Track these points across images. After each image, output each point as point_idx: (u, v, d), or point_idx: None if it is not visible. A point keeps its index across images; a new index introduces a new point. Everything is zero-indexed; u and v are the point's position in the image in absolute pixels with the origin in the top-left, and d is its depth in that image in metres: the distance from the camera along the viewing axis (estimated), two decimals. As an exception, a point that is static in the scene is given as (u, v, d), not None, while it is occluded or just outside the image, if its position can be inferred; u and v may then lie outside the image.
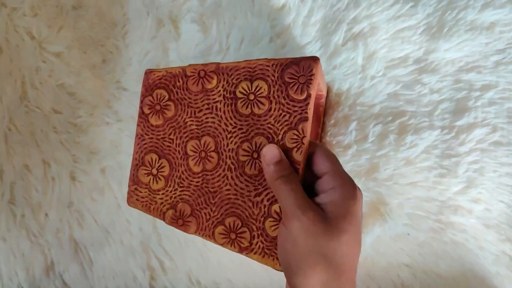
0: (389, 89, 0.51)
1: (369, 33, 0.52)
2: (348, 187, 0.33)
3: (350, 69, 0.52)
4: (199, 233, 0.37)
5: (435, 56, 0.50)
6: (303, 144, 0.34)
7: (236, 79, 0.36)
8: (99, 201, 0.55)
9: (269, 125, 0.35)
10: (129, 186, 0.40)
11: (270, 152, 0.34)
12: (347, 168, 0.50)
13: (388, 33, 0.51)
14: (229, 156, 0.36)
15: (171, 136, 0.38)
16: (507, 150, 0.50)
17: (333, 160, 0.34)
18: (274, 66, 0.35)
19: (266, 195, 0.35)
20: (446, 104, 0.50)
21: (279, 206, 0.34)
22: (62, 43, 0.56)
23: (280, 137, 0.35)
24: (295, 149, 0.34)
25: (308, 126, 0.34)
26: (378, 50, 0.51)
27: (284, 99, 0.35)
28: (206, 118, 0.37)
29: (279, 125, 0.35)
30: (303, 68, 0.35)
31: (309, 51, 0.53)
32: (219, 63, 0.37)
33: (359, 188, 0.34)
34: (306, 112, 0.34)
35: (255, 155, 0.36)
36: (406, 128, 0.50)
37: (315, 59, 0.35)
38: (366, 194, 0.50)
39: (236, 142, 0.36)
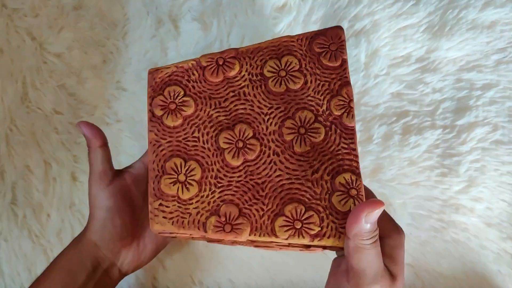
0: (392, 89, 0.51)
1: (371, 30, 0.52)
2: (396, 236, 0.32)
3: (353, 66, 0.52)
4: (255, 234, 0.31)
5: (437, 55, 0.50)
6: (351, 107, 0.33)
7: (261, 60, 0.34)
8: (101, 201, 0.55)
9: (309, 98, 0.33)
10: (150, 204, 0.32)
11: (378, 211, 0.29)
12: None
13: (390, 30, 0.51)
14: (272, 139, 0.33)
15: (195, 134, 0.33)
16: (508, 148, 0.50)
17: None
18: (300, 40, 0.34)
19: (325, 169, 0.32)
20: (447, 103, 0.50)
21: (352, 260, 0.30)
22: (62, 44, 0.55)
23: (324, 107, 0.33)
24: (345, 114, 0.33)
25: (351, 89, 0.33)
26: (380, 48, 0.51)
27: (319, 69, 0.34)
28: (235, 106, 0.34)
29: (320, 95, 0.33)
30: (331, 37, 0.34)
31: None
32: (237, 48, 0.35)
33: (403, 232, 0.33)
34: (346, 76, 0.33)
35: (302, 131, 0.33)
36: (409, 128, 0.50)
37: (340, 27, 0.34)
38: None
39: (276, 123, 0.33)
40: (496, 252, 0.50)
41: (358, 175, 0.32)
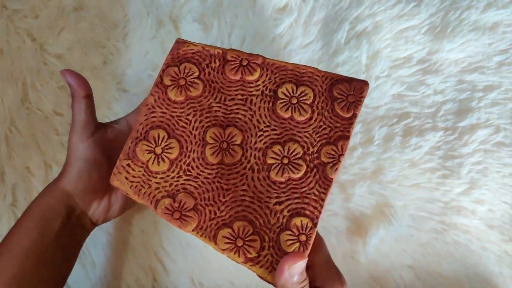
0: (393, 90, 0.50)
1: (372, 32, 0.52)
2: (337, 286, 0.32)
3: (354, 68, 0.52)
4: (197, 232, 0.32)
5: (438, 56, 0.50)
6: (339, 161, 0.32)
7: (280, 79, 0.34)
8: (101, 203, 0.55)
9: (306, 134, 0.33)
10: (119, 160, 0.34)
11: (301, 263, 0.29)
12: (352, 170, 0.50)
13: (392, 32, 0.51)
14: (255, 155, 0.33)
15: (189, 117, 0.34)
16: (510, 150, 0.49)
17: (322, 251, 0.33)
18: (324, 78, 0.34)
19: (288, 205, 0.32)
20: (449, 105, 0.50)
21: None
22: (63, 45, 0.55)
23: (315, 148, 0.33)
24: (330, 164, 0.32)
25: (347, 144, 0.33)
26: (381, 50, 0.51)
27: (328, 112, 0.33)
28: (237, 108, 0.34)
29: (317, 137, 0.33)
30: (354, 87, 0.33)
31: (311, 50, 0.53)
32: (265, 57, 0.35)
33: (346, 284, 0.32)
34: (349, 131, 0.33)
35: (285, 161, 0.33)
36: (410, 130, 0.50)
37: (366, 83, 0.34)
38: (371, 197, 0.50)
39: (266, 142, 0.33)
40: (497, 254, 0.50)
41: (314, 224, 0.32)
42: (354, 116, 0.33)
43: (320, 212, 0.32)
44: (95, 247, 0.53)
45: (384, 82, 0.50)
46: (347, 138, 0.33)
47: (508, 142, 0.49)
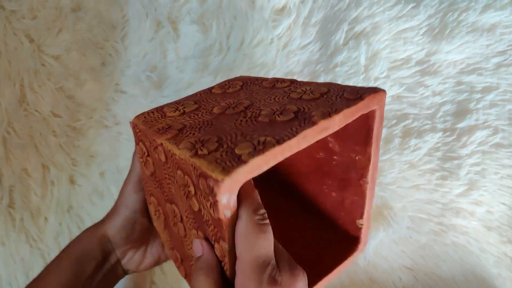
0: (393, 91, 0.50)
1: (371, 33, 0.52)
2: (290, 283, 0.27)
3: (353, 69, 0.52)
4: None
5: (437, 58, 0.50)
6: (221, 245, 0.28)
7: (175, 165, 0.31)
8: (99, 205, 0.54)
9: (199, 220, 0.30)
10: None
11: (194, 247, 0.30)
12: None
13: (390, 33, 0.51)
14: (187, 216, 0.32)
15: (159, 189, 0.36)
16: (509, 152, 0.49)
17: (248, 242, 0.27)
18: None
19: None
20: (447, 106, 0.50)
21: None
22: (61, 46, 0.55)
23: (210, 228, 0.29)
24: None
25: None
26: (380, 51, 0.51)
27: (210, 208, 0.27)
28: (168, 186, 0.33)
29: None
30: (207, 188, 0.26)
31: (310, 51, 0.53)
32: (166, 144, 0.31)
33: (271, 286, 0.26)
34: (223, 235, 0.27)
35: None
36: (409, 131, 0.50)
37: (216, 180, 0.24)
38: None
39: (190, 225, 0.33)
40: (496, 256, 0.50)
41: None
42: (219, 219, 0.26)
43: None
44: (93, 249, 0.53)
45: (383, 83, 0.50)
46: (223, 239, 0.28)
47: (506, 143, 0.50)
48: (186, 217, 0.32)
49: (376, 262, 0.50)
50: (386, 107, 0.50)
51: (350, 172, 0.36)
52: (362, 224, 0.38)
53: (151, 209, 0.39)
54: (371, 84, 0.51)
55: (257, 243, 0.27)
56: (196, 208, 0.29)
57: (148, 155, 0.35)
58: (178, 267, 0.38)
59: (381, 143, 0.50)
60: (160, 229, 0.39)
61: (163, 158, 0.31)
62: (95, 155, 0.55)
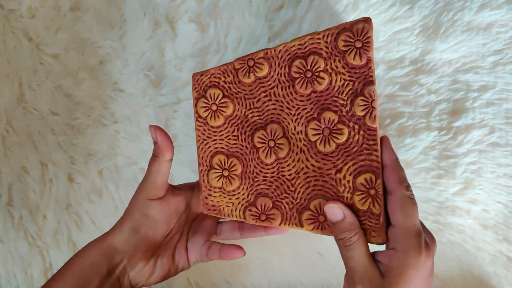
0: (386, 91, 0.51)
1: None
2: (411, 253, 0.31)
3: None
4: (284, 224, 0.36)
5: (431, 57, 0.50)
6: (374, 108, 0.33)
7: (288, 59, 0.35)
8: (97, 203, 0.55)
9: (333, 98, 0.33)
10: (201, 193, 0.39)
11: (330, 212, 0.33)
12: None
13: (386, 35, 0.51)
14: (299, 138, 0.35)
15: (235, 133, 0.37)
16: (505, 151, 0.50)
17: (406, 212, 0.32)
18: (326, 37, 0.33)
19: (347, 169, 0.34)
20: (443, 105, 0.50)
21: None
22: (59, 45, 0.55)
23: (348, 107, 0.33)
24: (367, 115, 0.33)
25: (374, 89, 0.33)
26: (375, 52, 0.51)
27: (344, 68, 0.33)
28: (267, 106, 0.35)
29: (345, 95, 0.33)
30: (356, 32, 0.32)
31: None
32: (266, 48, 0.36)
33: (427, 250, 0.31)
34: (371, 76, 0.33)
35: (326, 132, 0.34)
36: (404, 130, 0.50)
37: (367, 20, 0.32)
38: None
39: (303, 123, 0.34)
40: (492, 254, 0.50)
41: (378, 175, 0.33)
42: (369, 60, 0.33)
43: (378, 162, 0.33)
44: (91, 246, 0.53)
45: (378, 84, 0.50)
46: (371, 83, 0.33)
47: (502, 142, 0.50)
48: (303, 134, 0.35)
49: (372, 260, 0.50)
50: (380, 107, 0.51)
51: None
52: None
53: (212, 175, 0.38)
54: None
55: (413, 214, 0.32)
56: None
57: (224, 97, 0.37)
58: (268, 219, 0.37)
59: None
60: (232, 188, 0.38)
61: (265, 70, 0.35)
62: (93, 153, 0.55)
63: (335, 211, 0.33)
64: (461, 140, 0.50)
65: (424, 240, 0.32)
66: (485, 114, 0.50)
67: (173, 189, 0.41)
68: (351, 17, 0.51)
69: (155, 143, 0.39)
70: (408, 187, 0.33)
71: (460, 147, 0.50)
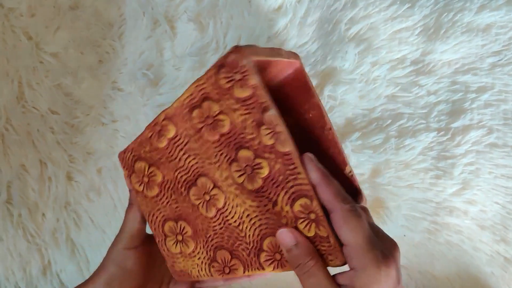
0: (388, 92, 0.51)
1: (367, 33, 0.52)
2: (370, 270, 0.29)
3: (350, 69, 0.52)
4: (248, 271, 0.34)
5: (431, 58, 0.50)
6: (279, 132, 0.30)
7: (187, 113, 0.33)
8: (96, 201, 0.55)
9: (241, 135, 0.32)
10: (167, 262, 0.38)
11: (282, 240, 0.32)
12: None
13: (386, 33, 0.51)
14: (229, 183, 0.33)
15: (173, 197, 0.36)
16: (503, 151, 0.50)
17: (351, 228, 0.30)
18: (208, 79, 0.32)
19: (282, 200, 0.32)
20: (442, 106, 0.50)
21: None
22: (59, 44, 0.55)
23: (257, 140, 0.31)
24: (277, 142, 0.31)
25: (274, 113, 0.30)
26: (377, 51, 0.51)
27: (237, 103, 0.31)
28: (189, 163, 0.34)
29: (250, 130, 0.31)
30: (231, 66, 0.30)
31: (306, 51, 0.54)
32: (165, 108, 0.35)
33: (386, 261, 0.30)
34: (264, 102, 0.30)
35: (249, 170, 0.32)
36: (404, 131, 0.50)
37: (237, 49, 0.30)
38: (367, 199, 0.50)
39: (226, 168, 0.33)
40: (489, 254, 0.50)
41: (311, 197, 0.31)
42: (255, 88, 0.30)
43: (307, 184, 0.31)
44: (90, 245, 0.54)
45: (380, 85, 0.51)
46: (267, 109, 0.30)
47: (500, 143, 0.50)
48: (231, 179, 0.33)
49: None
50: (382, 107, 0.51)
51: (314, 131, 0.38)
52: (350, 171, 0.38)
53: (169, 243, 0.37)
54: (371, 86, 0.51)
55: (359, 227, 0.30)
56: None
57: (150, 167, 0.36)
58: (232, 271, 0.36)
59: (378, 143, 0.51)
60: (190, 250, 0.37)
61: (173, 130, 0.34)
62: (92, 152, 0.55)
63: (286, 236, 0.31)
64: (459, 141, 0.50)
65: (380, 251, 0.30)
66: (483, 115, 0.50)
67: (151, 237, 0.39)
68: (349, 15, 0.51)
69: (130, 191, 0.38)
70: (345, 199, 0.30)
71: (458, 148, 0.50)
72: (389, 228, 0.51)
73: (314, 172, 0.31)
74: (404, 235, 0.51)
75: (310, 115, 0.38)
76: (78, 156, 0.55)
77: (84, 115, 0.55)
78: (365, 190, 0.50)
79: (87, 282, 0.38)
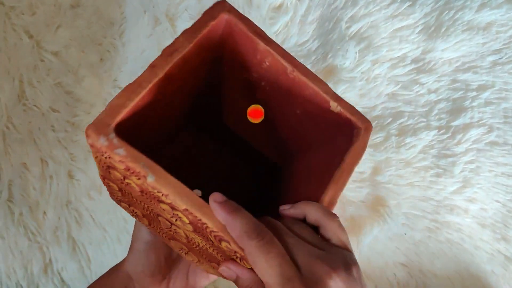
0: (388, 90, 0.51)
1: (368, 32, 0.52)
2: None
3: (349, 67, 0.52)
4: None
5: (432, 56, 0.50)
6: (166, 194, 0.27)
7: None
8: (97, 199, 0.55)
9: (153, 196, 0.30)
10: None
11: (225, 275, 0.31)
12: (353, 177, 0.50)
13: (387, 32, 0.51)
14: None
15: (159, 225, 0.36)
16: (503, 150, 0.50)
17: (259, 267, 0.27)
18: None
19: (214, 239, 0.30)
20: (443, 104, 0.50)
21: None
22: (60, 42, 0.56)
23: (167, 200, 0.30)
24: (173, 203, 0.28)
25: (151, 180, 0.27)
26: (377, 49, 0.51)
27: (126, 171, 0.28)
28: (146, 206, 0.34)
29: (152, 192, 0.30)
30: (95, 148, 0.27)
31: (307, 49, 0.54)
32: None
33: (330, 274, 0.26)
34: (138, 172, 0.27)
35: (178, 219, 0.31)
36: (405, 129, 0.50)
37: (88, 128, 0.26)
38: (368, 197, 0.50)
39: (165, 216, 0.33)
40: (490, 253, 0.50)
41: (227, 240, 0.29)
42: (125, 162, 0.27)
43: (221, 230, 0.28)
44: (91, 243, 0.54)
45: (381, 83, 0.51)
46: (145, 177, 0.28)
47: (501, 141, 0.50)
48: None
49: (371, 259, 0.50)
50: (382, 105, 0.51)
51: (279, 78, 0.35)
52: (337, 106, 0.34)
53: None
54: (371, 84, 0.51)
55: (268, 266, 0.27)
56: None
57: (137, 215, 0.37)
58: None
59: (379, 141, 0.51)
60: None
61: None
62: (93, 150, 0.55)
63: (225, 272, 0.31)
64: (460, 139, 0.50)
65: (298, 285, 0.26)
66: (484, 113, 0.50)
67: None
68: (350, 13, 0.51)
69: None
70: (251, 234, 0.27)
71: (458, 146, 0.50)
72: (389, 227, 0.51)
73: (218, 214, 0.28)
74: (405, 233, 0.51)
75: (267, 63, 0.34)
76: (79, 154, 0.55)
77: (85, 114, 0.55)
78: (366, 188, 0.50)
79: (122, 262, 0.40)
